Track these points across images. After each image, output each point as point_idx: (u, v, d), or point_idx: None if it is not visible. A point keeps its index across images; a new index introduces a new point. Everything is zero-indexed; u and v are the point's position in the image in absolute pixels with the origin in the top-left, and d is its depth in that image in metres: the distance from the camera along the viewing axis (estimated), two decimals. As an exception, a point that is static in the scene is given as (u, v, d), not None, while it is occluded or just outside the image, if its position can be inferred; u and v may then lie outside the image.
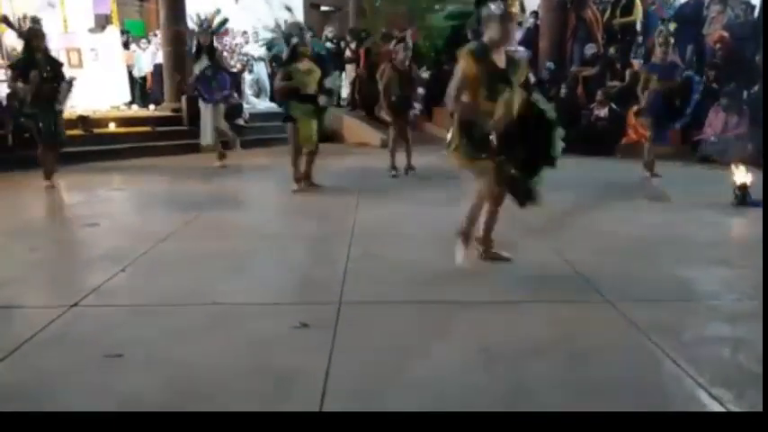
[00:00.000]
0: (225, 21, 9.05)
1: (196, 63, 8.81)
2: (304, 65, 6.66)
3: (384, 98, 7.90)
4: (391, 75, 7.84)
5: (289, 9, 6.82)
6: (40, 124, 6.97)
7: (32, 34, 6.97)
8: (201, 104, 8.85)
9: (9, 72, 7.04)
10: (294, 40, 6.69)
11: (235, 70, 13.57)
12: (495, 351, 2.89)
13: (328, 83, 6.91)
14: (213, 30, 8.80)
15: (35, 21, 6.95)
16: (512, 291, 3.72)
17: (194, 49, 9.06)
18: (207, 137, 8.86)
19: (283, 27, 6.91)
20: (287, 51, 6.67)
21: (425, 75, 11.43)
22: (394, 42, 8.24)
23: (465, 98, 3.76)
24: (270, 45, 7.46)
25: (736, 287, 3.85)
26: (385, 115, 8.05)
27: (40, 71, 6.79)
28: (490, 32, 3.71)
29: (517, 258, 4.14)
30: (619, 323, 3.24)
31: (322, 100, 6.75)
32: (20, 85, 6.84)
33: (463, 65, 3.72)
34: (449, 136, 3.94)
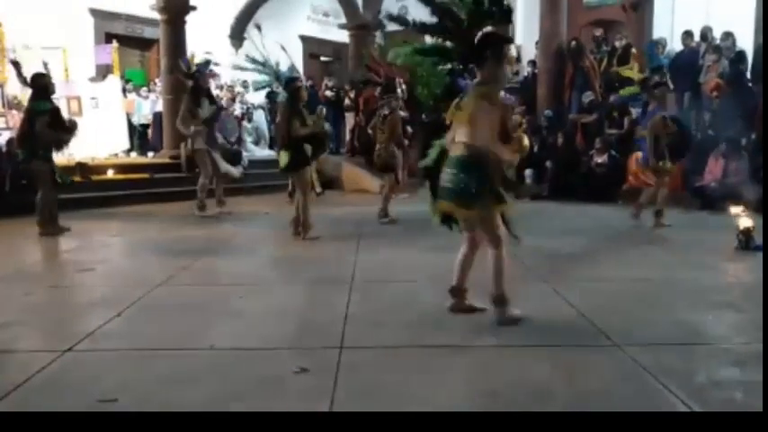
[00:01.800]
0: (207, 62, 9.00)
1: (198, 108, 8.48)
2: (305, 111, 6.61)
3: (396, 145, 7.96)
4: (399, 122, 7.95)
5: (283, 48, 6.78)
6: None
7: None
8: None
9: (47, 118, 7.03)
10: (299, 84, 6.63)
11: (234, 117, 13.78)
12: (500, 396, 2.81)
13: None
14: (192, 72, 8.69)
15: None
16: (516, 335, 3.63)
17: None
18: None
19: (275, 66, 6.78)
20: (286, 93, 6.55)
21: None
22: (379, 90, 8.32)
23: None
24: (266, 87, 7.26)
25: (743, 331, 3.80)
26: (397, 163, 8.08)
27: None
28: None
29: (521, 303, 4.06)
30: (626, 366, 3.17)
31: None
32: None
33: None
34: None
